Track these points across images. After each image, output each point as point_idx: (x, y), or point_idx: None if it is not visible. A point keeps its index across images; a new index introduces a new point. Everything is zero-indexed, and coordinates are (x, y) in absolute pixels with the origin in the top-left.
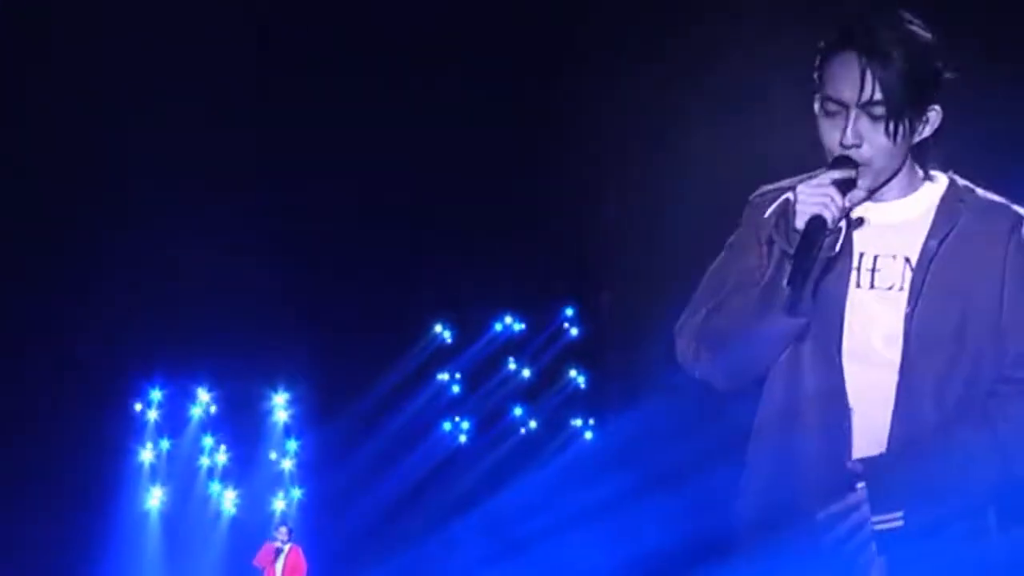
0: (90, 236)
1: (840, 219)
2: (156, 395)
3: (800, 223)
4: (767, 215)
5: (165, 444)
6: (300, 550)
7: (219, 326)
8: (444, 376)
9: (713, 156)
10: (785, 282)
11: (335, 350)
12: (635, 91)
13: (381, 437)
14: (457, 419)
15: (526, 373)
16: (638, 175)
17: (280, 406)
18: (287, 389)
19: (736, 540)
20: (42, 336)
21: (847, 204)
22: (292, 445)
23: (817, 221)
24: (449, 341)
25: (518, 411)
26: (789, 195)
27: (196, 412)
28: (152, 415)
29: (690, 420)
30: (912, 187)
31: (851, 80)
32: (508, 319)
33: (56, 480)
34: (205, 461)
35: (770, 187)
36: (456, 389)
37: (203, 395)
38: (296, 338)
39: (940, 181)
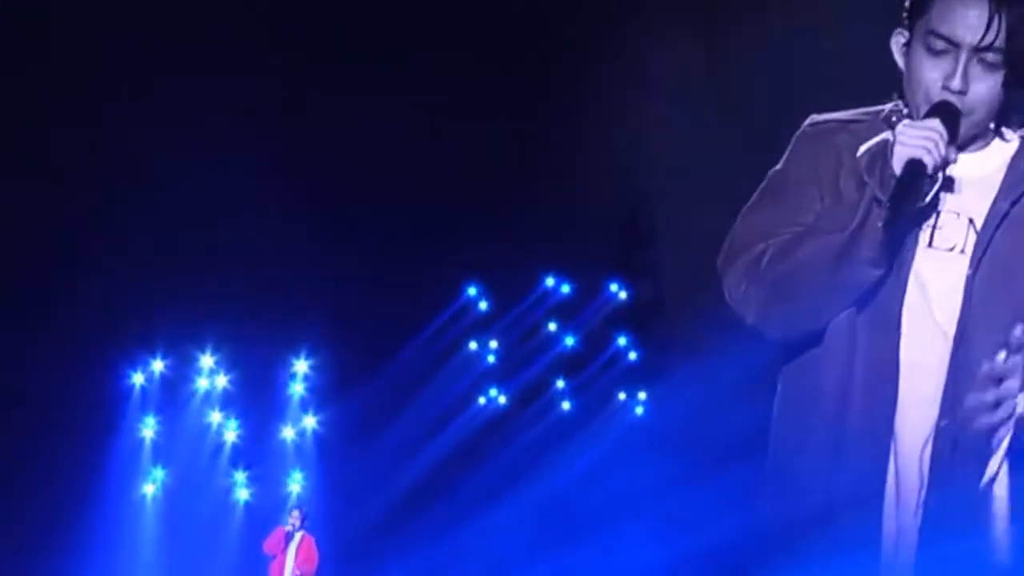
0: (81, 186)
1: (940, 168)
2: (157, 365)
3: (898, 167)
4: (860, 153)
5: (155, 420)
6: (313, 541)
7: (229, 288)
8: (477, 345)
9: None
10: (880, 226)
11: (358, 316)
12: (676, 39)
13: (408, 413)
14: (493, 392)
15: (569, 341)
16: (689, 127)
17: (296, 378)
18: (305, 359)
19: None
20: (25, 299)
21: (952, 156)
22: (309, 421)
23: (916, 166)
24: (484, 307)
25: (560, 383)
26: (888, 135)
27: (202, 384)
28: (150, 387)
29: (753, 394)
30: (983, 143)
31: (973, 19)
32: (550, 280)
33: (46, 463)
34: (212, 439)
35: (822, 117)
36: (491, 359)
37: (209, 364)
38: (315, 302)
39: (1012, 140)
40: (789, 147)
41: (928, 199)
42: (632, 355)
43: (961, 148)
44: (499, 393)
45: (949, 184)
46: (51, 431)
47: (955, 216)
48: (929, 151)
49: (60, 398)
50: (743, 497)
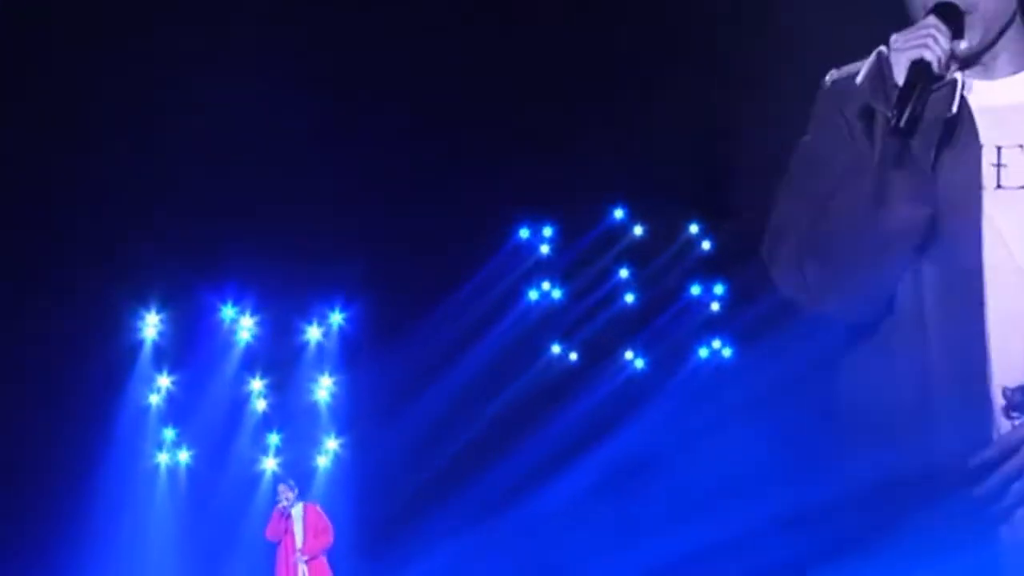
0: (85, 123)
1: (948, 65)
2: (153, 320)
3: (900, 75)
4: (860, 80)
5: (168, 381)
6: (318, 507)
7: (252, 233)
8: (536, 294)
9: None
10: (900, 151)
11: (398, 262)
12: None
13: (455, 373)
14: (555, 349)
15: (637, 294)
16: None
17: (330, 333)
18: (339, 312)
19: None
20: (26, 249)
21: (958, 49)
22: (333, 383)
23: (919, 65)
24: (544, 252)
25: (630, 338)
26: (881, 48)
27: (223, 339)
28: (164, 342)
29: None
30: None
31: None
32: (619, 212)
33: (41, 433)
34: (233, 401)
35: (840, 71)
36: (554, 310)
37: (230, 316)
38: (350, 248)
39: None
40: (812, 114)
41: (955, 108)
42: (715, 306)
43: (989, 70)
44: (561, 350)
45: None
46: (52, 392)
47: (1018, 149)
48: (928, 46)
49: (63, 354)
50: (838, 464)
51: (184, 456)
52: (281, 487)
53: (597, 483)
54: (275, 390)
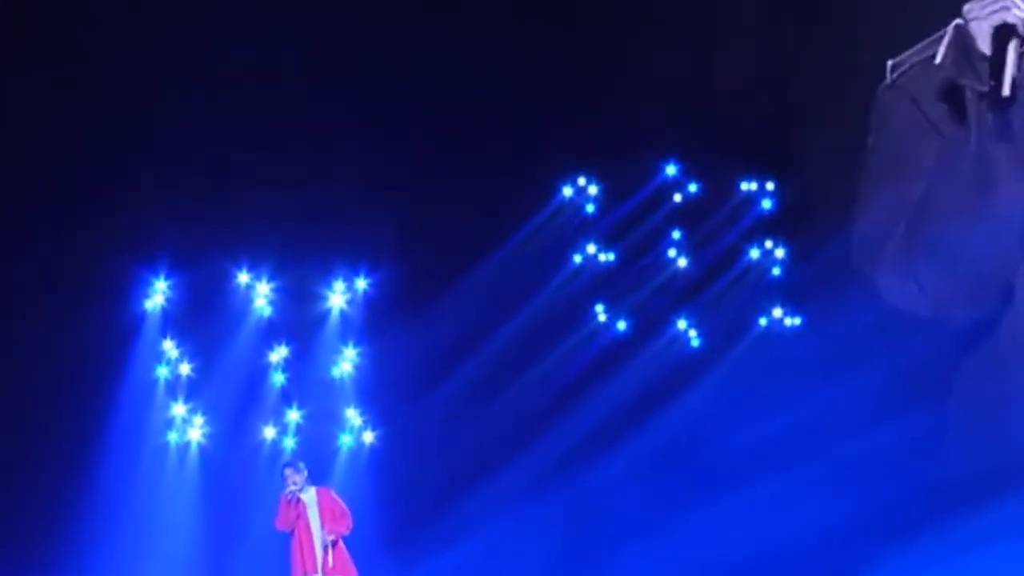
0: (98, 84)
1: None
2: (161, 286)
3: (985, 44)
4: (940, 60)
5: (177, 351)
6: (332, 491)
7: (271, 189)
8: (581, 258)
9: None
10: (993, 94)
11: (430, 221)
12: None
13: (492, 343)
14: (601, 313)
15: (682, 263)
16: None
17: (355, 299)
18: (364, 277)
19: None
20: (39, 211)
21: None
22: (357, 355)
23: (1004, 29)
24: (590, 210)
25: (683, 305)
26: (957, 21)
27: (240, 307)
28: (177, 311)
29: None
30: None
31: None
32: (671, 169)
33: (53, 399)
34: (250, 374)
35: (898, 60)
36: (601, 275)
37: (245, 282)
38: (378, 206)
39: None
40: (872, 118)
41: None
42: (775, 271)
43: None
44: (608, 318)
45: None
46: (57, 363)
47: None
48: (1008, 8)
49: (70, 324)
50: (923, 442)
51: (196, 434)
52: (288, 471)
53: (645, 464)
54: (294, 363)
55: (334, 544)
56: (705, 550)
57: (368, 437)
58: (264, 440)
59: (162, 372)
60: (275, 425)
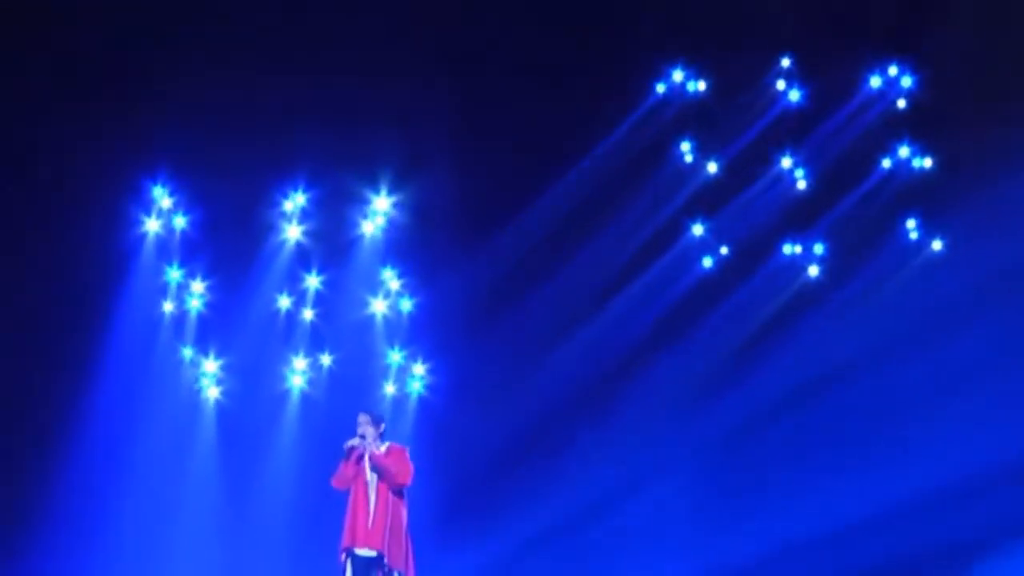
0: None
1: None
2: (167, 203)
3: None
4: None
5: (198, 290)
6: (406, 451)
7: (292, 77)
8: (679, 163)
9: None
10: None
11: (495, 118)
12: None
13: (567, 274)
14: (698, 228)
15: (799, 175)
16: None
17: (392, 219)
18: (414, 188)
19: None
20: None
21: None
22: (402, 287)
23: None
24: (692, 111)
25: (801, 224)
26: None
27: (252, 229)
28: (196, 236)
29: None
30: None
31: None
32: (785, 61)
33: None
34: (266, 314)
35: None
36: (701, 185)
37: (291, 209)
38: (429, 106)
39: None
40: None
41: None
42: (912, 182)
43: None
44: (709, 237)
45: None
46: (55, 292)
47: None
48: None
49: (73, 247)
50: None
51: (211, 389)
52: (362, 417)
53: (774, 406)
54: (327, 296)
55: (397, 494)
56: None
57: (416, 386)
58: (290, 390)
59: (167, 307)
60: (303, 369)
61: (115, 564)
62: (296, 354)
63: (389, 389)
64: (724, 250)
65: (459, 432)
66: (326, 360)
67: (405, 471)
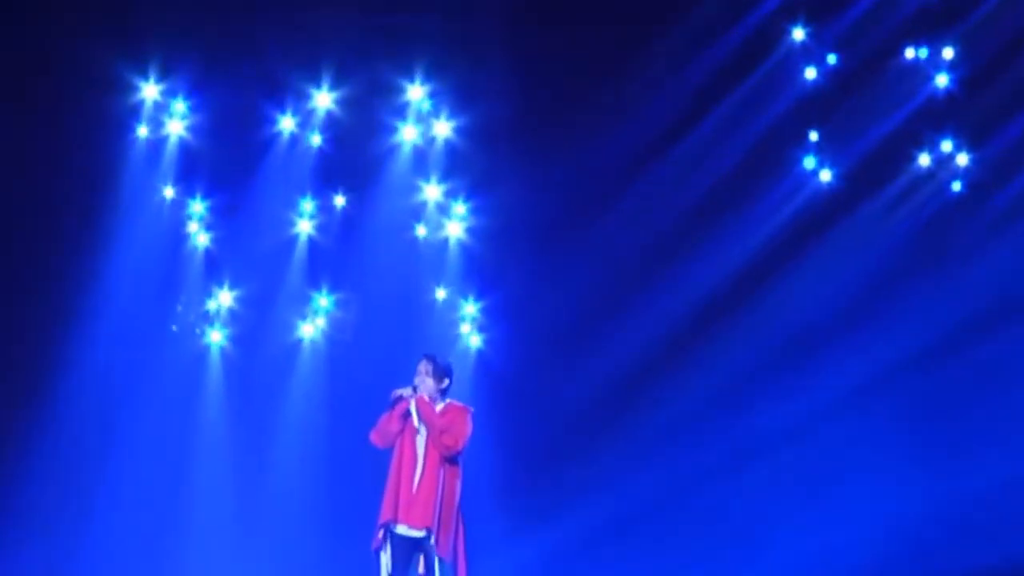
0: None
1: None
2: (179, 108)
3: None
4: None
5: (198, 212)
6: (467, 413)
7: None
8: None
9: None
10: None
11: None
12: None
13: (640, 186)
14: (810, 163)
15: (948, 53)
16: None
17: (438, 132)
18: (462, 92)
19: None
20: None
21: None
22: (458, 211)
23: None
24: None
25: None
26: None
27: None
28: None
29: None
30: None
31: None
32: None
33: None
34: (285, 238)
35: None
36: (810, 94)
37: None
38: None
39: None
40: None
41: None
42: None
43: None
44: (816, 163)
45: None
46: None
47: None
48: None
49: (60, 152)
50: None
51: (216, 336)
52: (423, 365)
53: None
54: (354, 218)
55: (451, 458)
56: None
57: (475, 341)
58: (300, 339)
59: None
60: (327, 308)
61: (111, 540)
62: (319, 290)
63: (467, 333)
64: (826, 175)
65: (524, 393)
66: (347, 303)
67: (459, 434)
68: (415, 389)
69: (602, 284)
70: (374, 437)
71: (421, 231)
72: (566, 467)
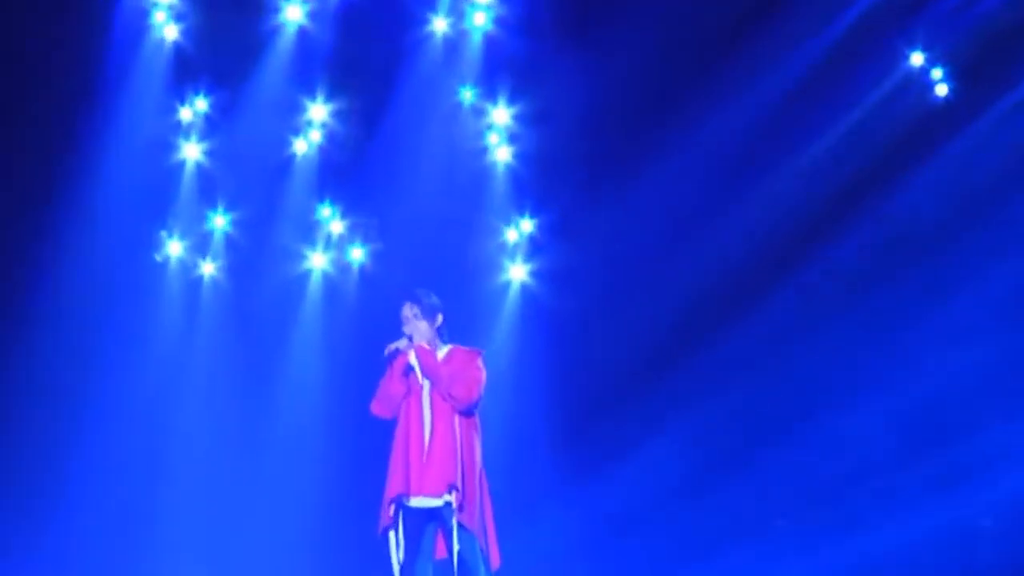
0: None
1: None
2: None
3: None
4: None
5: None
6: (476, 357)
7: None
8: None
9: None
10: None
11: None
12: None
13: (728, 109)
14: (919, 58)
15: None
16: None
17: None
18: None
19: None
20: None
21: None
22: (501, 116)
23: None
24: None
25: None
26: None
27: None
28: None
29: None
30: None
31: None
32: None
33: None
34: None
35: None
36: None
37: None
38: None
39: None
40: None
41: None
42: None
43: None
44: (926, 60)
45: None
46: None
47: None
48: None
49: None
50: None
51: (208, 269)
52: (408, 309)
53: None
54: (372, 118)
55: (467, 412)
56: None
57: (518, 272)
58: (310, 270)
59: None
60: (341, 234)
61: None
62: (329, 208)
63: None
64: (941, 85)
65: (576, 332)
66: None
67: (471, 381)
68: (410, 339)
69: (667, 209)
70: (376, 407)
71: (456, 142)
72: (622, 416)
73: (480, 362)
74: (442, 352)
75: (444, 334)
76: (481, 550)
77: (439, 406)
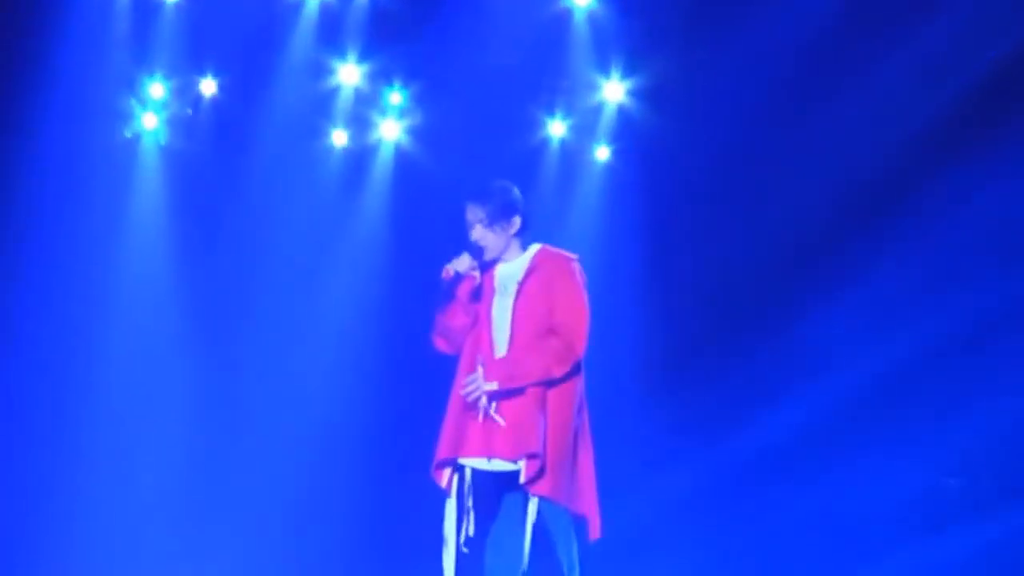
0: None
1: None
2: None
3: None
4: None
5: None
6: (573, 268)
7: None
8: None
9: None
10: None
11: None
12: None
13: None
14: None
15: None
16: None
17: None
18: None
19: None
20: None
21: None
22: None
23: None
24: None
25: None
26: None
27: None
28: None
29: None
30: None
31: None
32: None
33: None
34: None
35: None
36: None
37: None
38: None
39: None
40: None
41: None
42: None
43: None
44: None
45: None
46: None
47: None
48: None
49: None
50: None
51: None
52: (472, 212)
53: None
54: None
55: (553, 383)
56: None
57: (604, 153)
58: (331, 147)
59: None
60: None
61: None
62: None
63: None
64: None
65: (675, 244)
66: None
67: (575, 323)
68: (479, 252)
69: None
70: (439, 342)
71: None
72: (732, 358)
73: (578, 279)
74: (521, 260)
75: (527, 239)
76: (571, 520)
77: (520, 326)
